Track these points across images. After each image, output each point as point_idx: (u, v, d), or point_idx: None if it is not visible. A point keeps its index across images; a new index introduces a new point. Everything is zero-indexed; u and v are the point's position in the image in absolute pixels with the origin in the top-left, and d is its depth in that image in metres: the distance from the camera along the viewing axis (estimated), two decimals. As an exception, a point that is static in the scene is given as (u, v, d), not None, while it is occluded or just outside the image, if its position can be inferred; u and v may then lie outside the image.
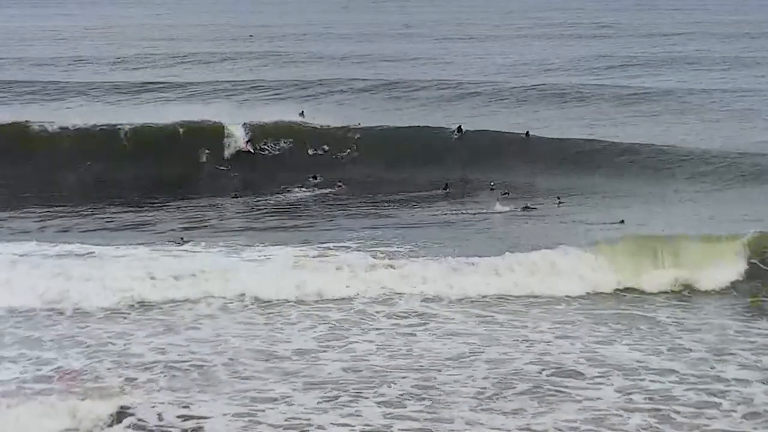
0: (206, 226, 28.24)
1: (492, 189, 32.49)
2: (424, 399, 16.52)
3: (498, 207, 29.91)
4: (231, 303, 21.36)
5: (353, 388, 16.98)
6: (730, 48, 68.13)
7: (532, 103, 46.39)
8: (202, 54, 64.96)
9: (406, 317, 20.75)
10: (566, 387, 17.06)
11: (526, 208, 30.00)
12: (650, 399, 16.56)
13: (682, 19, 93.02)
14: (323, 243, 25.24)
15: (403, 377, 17.43)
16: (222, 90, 48.18)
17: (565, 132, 38.45)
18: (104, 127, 36.48)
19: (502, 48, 69.89)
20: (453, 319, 20.75)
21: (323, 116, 38.16)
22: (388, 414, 15.97)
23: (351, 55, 65.52)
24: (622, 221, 27.81)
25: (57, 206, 30.78)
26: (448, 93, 48.22)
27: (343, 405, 16.28)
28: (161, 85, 50.44)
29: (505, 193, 31.84)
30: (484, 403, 16.36)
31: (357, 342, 19.26)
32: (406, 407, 16.21)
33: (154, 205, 31.03)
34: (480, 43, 73.60)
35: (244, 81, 50.97)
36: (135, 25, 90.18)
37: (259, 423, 15.72)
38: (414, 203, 31.24)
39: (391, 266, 22.76)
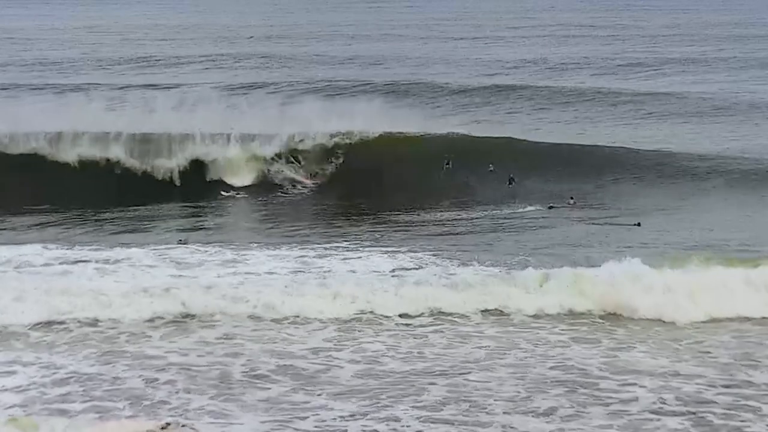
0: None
1: (491, 171, 32.84)
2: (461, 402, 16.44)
3: (527, 207, 30.36)
4: (242, 305, 21.03)
5: (373, 392, 16.90)
6: (741, 49, 68.18)
7: (539, 104, 46.35)
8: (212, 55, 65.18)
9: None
10: (597, 391, 16.94)
11: (551, 207, 30.38)
12: (682, 402, 16.45)
13: (696, 20, 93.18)
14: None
15: (432, 383, 17.27)
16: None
17: (565, 135, 38.48)
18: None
19: (511, 48, 70.05)
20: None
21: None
22: (424, 418, 15.86)
23: (354, 56, 65.55)
24: (638, 224, 28.06)
25: (70, 212, 30.70)
26: (446, 93, 48.20)
27: (377, 410, 16.16)
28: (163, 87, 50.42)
29: (511, 179, 32.37)
30: (519, 407, 16.25)
31: (370, 343, 19.22)
32: (441, 411, 16.08)
33: (152, 210, 31.05)
34: (488, 43, 73.77)
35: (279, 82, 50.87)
36: (138, 25, 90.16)
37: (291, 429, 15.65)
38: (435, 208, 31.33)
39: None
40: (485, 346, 19.09)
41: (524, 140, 36.32)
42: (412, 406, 16.13)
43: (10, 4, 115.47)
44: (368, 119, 36.49)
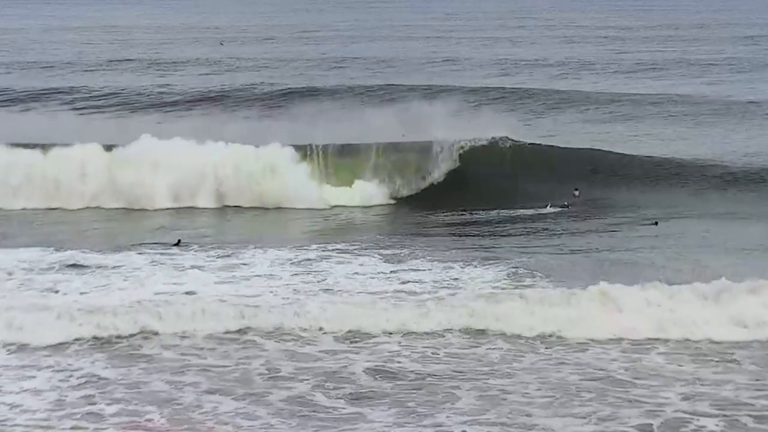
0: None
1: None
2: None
3: (548, 209, 30.43)
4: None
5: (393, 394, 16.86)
6: (747, 50, 68.04)
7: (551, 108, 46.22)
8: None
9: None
10: (627, 394, 16.85)
11: (565, 206, 30.59)
12: (715, 405, 16.41)
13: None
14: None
15: (455, 386, 17.17)
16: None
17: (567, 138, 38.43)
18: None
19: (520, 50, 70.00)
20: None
21: None
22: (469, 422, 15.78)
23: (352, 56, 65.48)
24: (656, 223, 28.32)
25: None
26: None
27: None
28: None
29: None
30: (557, 411, 16.16)
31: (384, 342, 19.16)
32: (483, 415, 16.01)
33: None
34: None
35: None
36: (139, 26, 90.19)
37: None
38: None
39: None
40: (498, 348, 18.95)
41: (526, 142, 36.15)
42: (451, 412, 16.08)
43: (9, 3, 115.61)
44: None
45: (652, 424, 15.63)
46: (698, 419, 15.79)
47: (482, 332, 19.45)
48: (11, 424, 15.63)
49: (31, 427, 15.55)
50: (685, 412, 16.04)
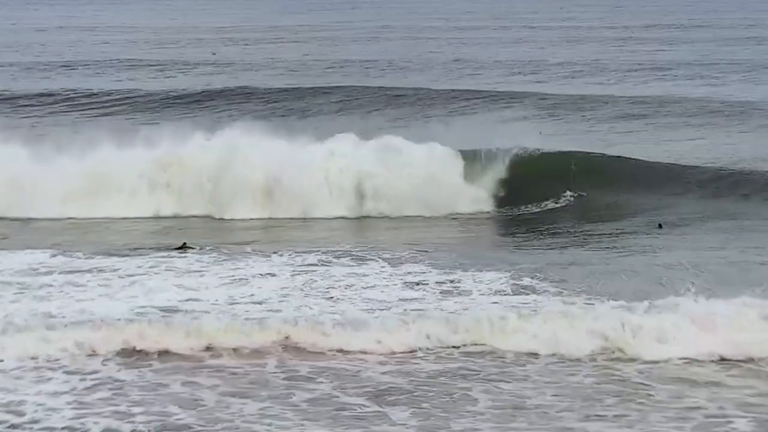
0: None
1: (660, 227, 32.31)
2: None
3: (550, 204, 30.49)
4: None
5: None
6: (755, 50, 68.01)
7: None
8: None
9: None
10: (649, 397, 16.86)
11: (573, 196, 31.00)
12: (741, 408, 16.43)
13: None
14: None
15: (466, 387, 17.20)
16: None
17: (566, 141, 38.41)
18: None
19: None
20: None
21: None
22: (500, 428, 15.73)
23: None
24: (660, 225, 28.22)
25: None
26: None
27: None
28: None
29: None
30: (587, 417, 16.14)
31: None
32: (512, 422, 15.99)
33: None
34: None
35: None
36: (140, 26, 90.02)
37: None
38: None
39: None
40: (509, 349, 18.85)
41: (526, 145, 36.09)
42: (473, 417, 16.09)
43: (8, 3, 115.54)
44: None
45: (684, 427, 15.71)
46: (731, 421, 15.86)
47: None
48: (39, 427, 15.71)
49: (66, 428, 15.64)
50: (713, 416, 16.09)
